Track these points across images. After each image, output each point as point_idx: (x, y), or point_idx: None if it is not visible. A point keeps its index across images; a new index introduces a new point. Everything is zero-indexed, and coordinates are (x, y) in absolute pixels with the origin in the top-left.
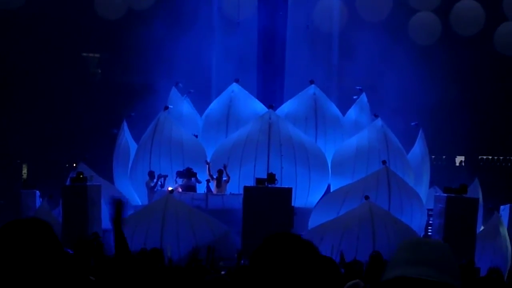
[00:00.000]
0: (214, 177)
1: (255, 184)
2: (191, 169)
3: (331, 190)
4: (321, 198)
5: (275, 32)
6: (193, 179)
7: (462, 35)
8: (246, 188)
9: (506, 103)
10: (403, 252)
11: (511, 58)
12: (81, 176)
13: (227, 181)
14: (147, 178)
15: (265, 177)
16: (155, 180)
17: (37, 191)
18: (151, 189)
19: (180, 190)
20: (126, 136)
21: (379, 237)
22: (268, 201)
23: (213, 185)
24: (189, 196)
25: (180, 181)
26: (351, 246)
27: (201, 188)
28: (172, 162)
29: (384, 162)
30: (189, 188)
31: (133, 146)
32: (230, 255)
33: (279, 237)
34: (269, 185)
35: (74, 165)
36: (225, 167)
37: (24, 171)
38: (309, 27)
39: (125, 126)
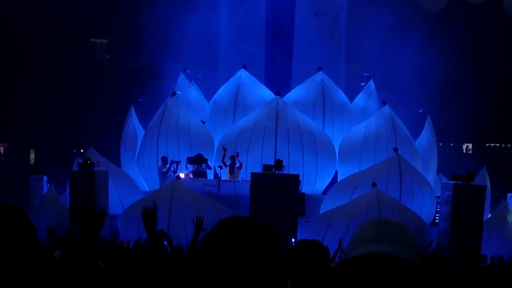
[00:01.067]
0: (228, 163)
1: (262, 171)
2: (202, 155)
3: (338, 177)
4: (330, 185)
5: (283, 19)
6: (203, 165)
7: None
8: (253, 175)
9: None
10: (367, 231)
11: None
12: (89, 161)
13: (239, 168)
14: (160, 163)
15: (273, 163)
16: (167, 166)
17: (45, 177)
18: (163, 175)
19: (191, 176)
20: (133, 121)
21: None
22: (276, 187)
23: (225, 171)
24: (201, 182)
25: (190, 167)
26: None
27: (210, 174)
28: (179, 148)
29: (395, 149)
30: (200, 174)
31: (140, 132)
32: None
33: (232, 221)
34: (277, 172)
35: (82, 150)
36: (237, 154)
37: (32, 156)
38: (316, 14)
39: (132, 112)
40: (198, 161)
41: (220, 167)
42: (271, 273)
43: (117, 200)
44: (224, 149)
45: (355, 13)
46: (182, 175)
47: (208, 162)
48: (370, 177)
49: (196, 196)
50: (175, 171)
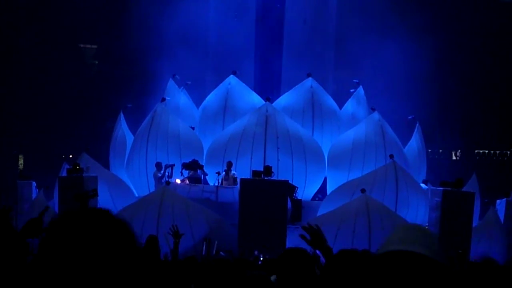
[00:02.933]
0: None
1: (251, 177)
2: (197, 161)
3: (328, 183)
4: (319, 191)
5: (273, 25)
6: (199, 171)
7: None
8: (242, 181)
9: (503, 98)
10: (398, 234)
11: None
12: (78, 167)
13: (234, 175)
14: (154, 169)
15: (262, 169)
16: (162, 171)
17: (33, 182)
18: (158, 180)
19: (187, 182)
20: (122, 127)
21: (375, 230)
22: (265, 193)
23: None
24: (198, 189)
25: (185, 173)
26: (347, 240)
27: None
28: (169, 154)
29: (391, 156)
30: (196, 180)
31: (129, 137)
32: (228, 246)
33: (77, 213)
34: (266, 178)
35: (71, 156)
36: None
37: (21, 161)
38: (306, 22)
39: (121, 117)
40: (193, 167)
41: (219, 173)
42: (118, 267)
43: (111, 206)
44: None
45: (345, 20)
46: (178, 181)
47: (204, 169)
48: (367, 183)
49: (185, 202)
50: (170, 176)
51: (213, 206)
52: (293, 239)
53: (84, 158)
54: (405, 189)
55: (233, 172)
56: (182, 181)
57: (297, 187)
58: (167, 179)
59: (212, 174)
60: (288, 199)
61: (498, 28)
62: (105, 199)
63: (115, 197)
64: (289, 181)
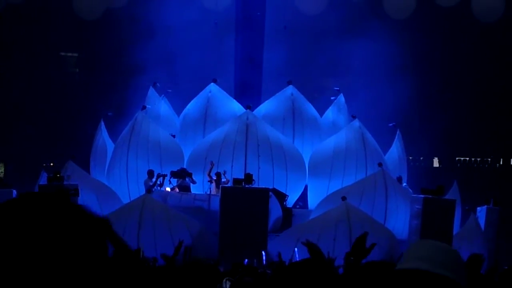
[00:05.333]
0: (213, 178)
1: (232, 185)
2: (186, 169)
3: (308, 191)
4: (300, 199)
5: (253, 32)
6: (187, 179)
7: (441, 5)
8: (223, 189)
9: (484, 105)
10: (418, 249)
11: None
12: (58, 175)
13: (226, 183)
14: (146, 177)
15: (243, 177)
16: (153, 179)
17: (14, 190)
18: (149, 188)
19: (177, 190)
20: (103, 135)
21: (356, 238)
22: (246, 201)
23: (213, 186)
24: (190, 197)
25: (174, 181)
26: (327, 247)
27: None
28: (149, 162)
29: (380, 164)
30: (184, 188)
31: (110, 145)
32: (208, 254)
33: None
34: (246, 186)
35: (52, 164)
36: (224, 172)
37: (1, 170)
38: (286, 28)
39: (102, 125)
40: (181, 175)
41: (210, 181)
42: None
43: (100, 214)
44: (211, 164)
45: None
46: (168, 189)
47: (193, 177)
48: (356, 191)
49: (166, 210)
50: (161, 185)
51: (205, 215)
52: (274, 247)
53: (70, 166)
54: (394, 197)
55: (223, 180)
56: (171, 189)
57: (288, 195)
58: (158, 188)
59: (200, 183)
60: (279, 207)
61: (483, 31)
62: (94, 207)
63: (103, 204)
64: (270, 189)
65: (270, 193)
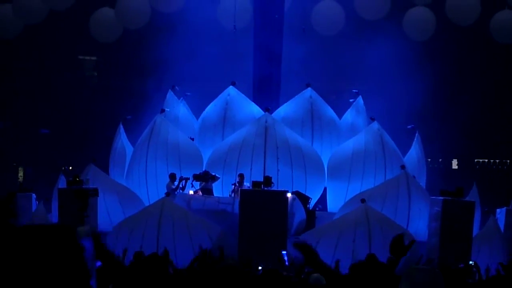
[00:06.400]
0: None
1: (251, 187)
2: (209, 172)
3: (327, 193)
4: (319, 201)
5: (272, 35)
6: (210, 181)
7: (459, 25)
8: (242, 191)
9: (502, 106)
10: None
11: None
12: (78, 179)
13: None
14: (168, 180)
15: (262, 180)
16: (176, 183)
17: (33, 194)
18: (172, 192)
19: (200, 193)
20: (122, 139)
21: (375, 240)
22: (265, 204)
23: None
24: (214, 200)
25: (196, 184)
26: (347, 250)
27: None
28: (168, 165)
29: (403, 167)
30: (207, 191)
31: (129, 149)
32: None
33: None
34: (266, 188)
35: (70, 168)
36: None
37: (20, 174)
38: (305, 30)
39: (121, 129)
40: (205, 178)
41: (234, 184)
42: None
43: (122, 217)
44: (241, 177)
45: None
46: (191, 192)
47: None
48: (379, 194)
49: (185, 213)
50: (183, 188)
51: (229, 218)
52: (294, 250)
53: (92, 169)
54: (416, 199)
55: (246, 183)
56: (195, 192)
57: (311, 198)
58: (180, 191)
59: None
60: (303, 209)
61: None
62: (116, 210)
63: (125, 207)
64: (294, 191)
65: (294, 196)
